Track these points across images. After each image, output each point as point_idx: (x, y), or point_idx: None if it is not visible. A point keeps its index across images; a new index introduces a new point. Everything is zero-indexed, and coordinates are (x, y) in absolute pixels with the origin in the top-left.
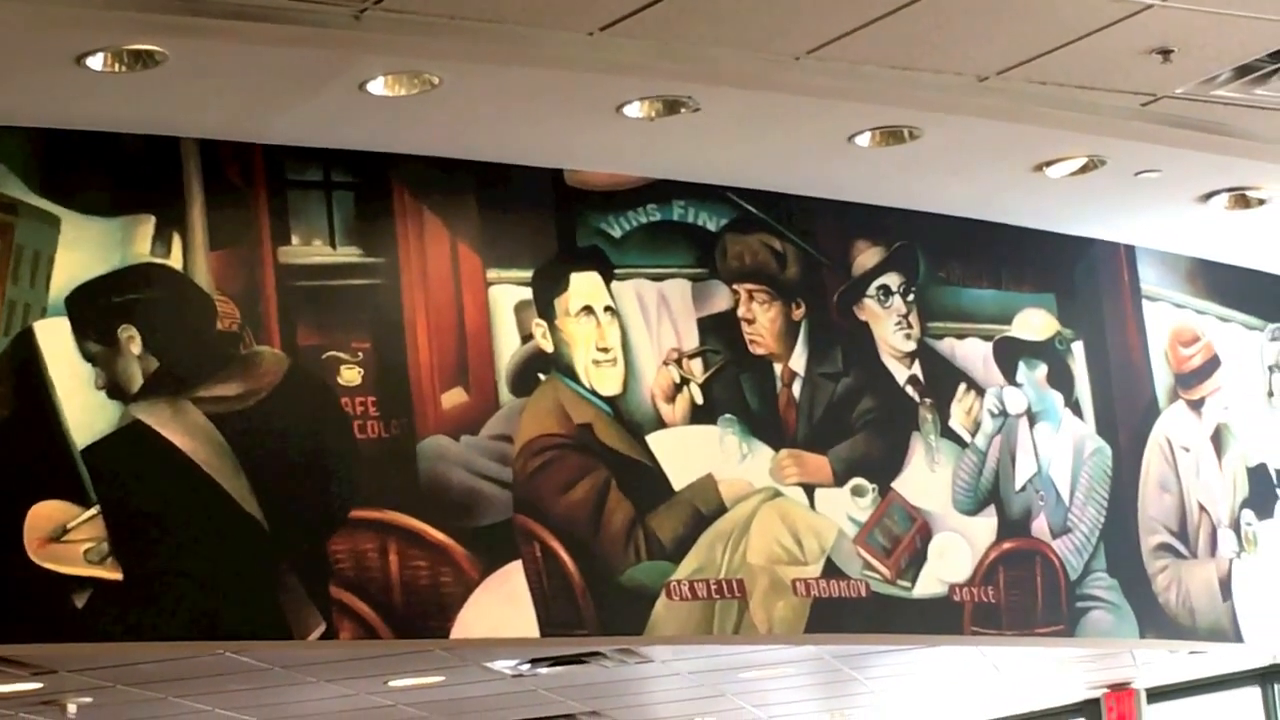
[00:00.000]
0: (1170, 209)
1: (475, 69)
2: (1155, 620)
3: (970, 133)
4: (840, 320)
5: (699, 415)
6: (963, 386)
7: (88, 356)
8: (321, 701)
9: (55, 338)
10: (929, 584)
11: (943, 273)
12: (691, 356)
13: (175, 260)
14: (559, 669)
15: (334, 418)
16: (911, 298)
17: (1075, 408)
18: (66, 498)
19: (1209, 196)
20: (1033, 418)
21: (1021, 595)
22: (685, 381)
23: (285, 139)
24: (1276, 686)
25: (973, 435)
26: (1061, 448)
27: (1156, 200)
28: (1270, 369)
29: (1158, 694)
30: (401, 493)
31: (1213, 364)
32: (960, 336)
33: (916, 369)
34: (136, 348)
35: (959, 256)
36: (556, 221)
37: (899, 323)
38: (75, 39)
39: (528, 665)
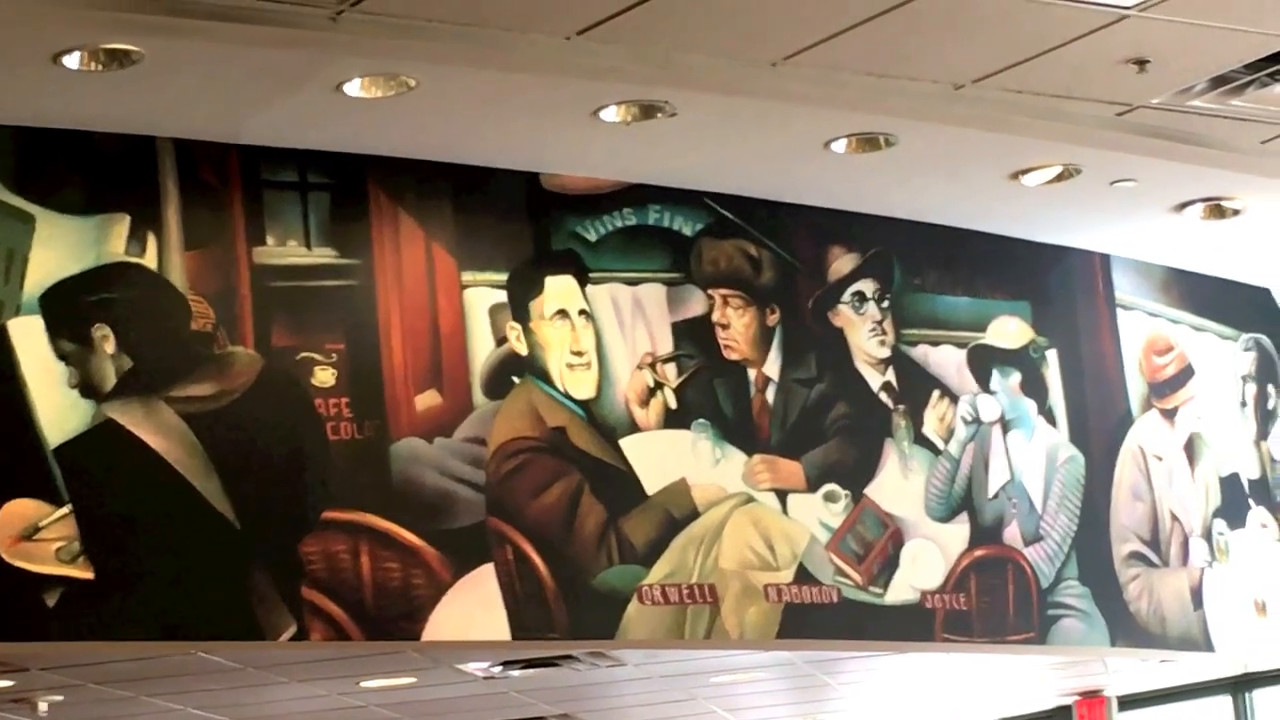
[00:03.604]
0: (1145, 218)
1: (452, 71)
2: (1126, 629)
3: (946, 140)
4: (815, 326)
5: (672, 420)
6: (936, 393)
7: (61, 355)
8: (293, 702)
9: (29, 336)
10: (901, 590)
11: (917, 280)
12: (665, 361)
13: (150, 260)
14: (531, 671)
15: (307, 419)
16: (886, 304)
17: (1049, 416)
18: (38, 496)
19: (1184, 206)
20: (1006, 425)
21: (993, 602)
22: (659, 386)
23: (261, 139)
24: (1247, 696)
25: (946, 442)
26: (1034, 456)
27: (1131, 209)
28: (1243, 379)
29: (1129, 702)
30: (374, 494)
31: (1186, 373)
32: (934, 344)
33: (890, 375)
34: (110, 347)
35: (934, 264)
36: (532, 225)
37: (873, 329)
38: (52, 37)
39: (499, 667)
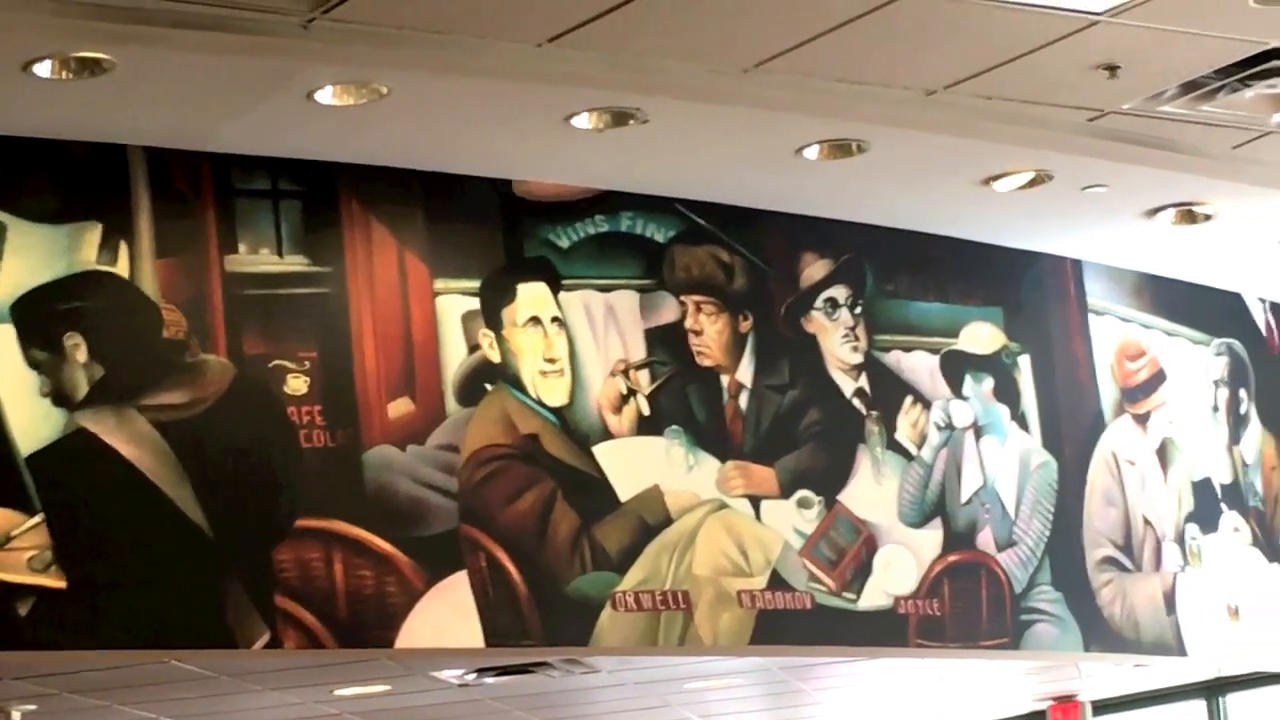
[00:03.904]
0: (1117, 224)
1: (423, 79)
2: (1100, 633)
3: (918, 146)
4: (787, 332)
5: (645, 426)
6: (909, 399)
7: (33, 364)
8: (267, 710)
9: (1, 345)
10: (874, 596)
11: (890, 285)
12: (638, 368)
13: (122, 268)
14: (506, 679)
15: (280, 427)
16: (859, 310)
17: (1021, 421)
18: (10, 505)
19: (1155, 211)
20: (979, 431)
21: (966, 608)
22: (632, 392)
23: (233, 147)
24: (1221, 700)
25: (919, 448)
26: (1007, 461)
27: (1103, 215)
28: (1215, 384)
29: (1103, 707)
30: (347, 502)
31: (1158, 378)
32: (907, 349)
33: (863, 381)
34: (82, 355)
35: (906, 269)
36: (504, 232)
37: (846, 335)
38: (22, 46)
39: (474, 675)
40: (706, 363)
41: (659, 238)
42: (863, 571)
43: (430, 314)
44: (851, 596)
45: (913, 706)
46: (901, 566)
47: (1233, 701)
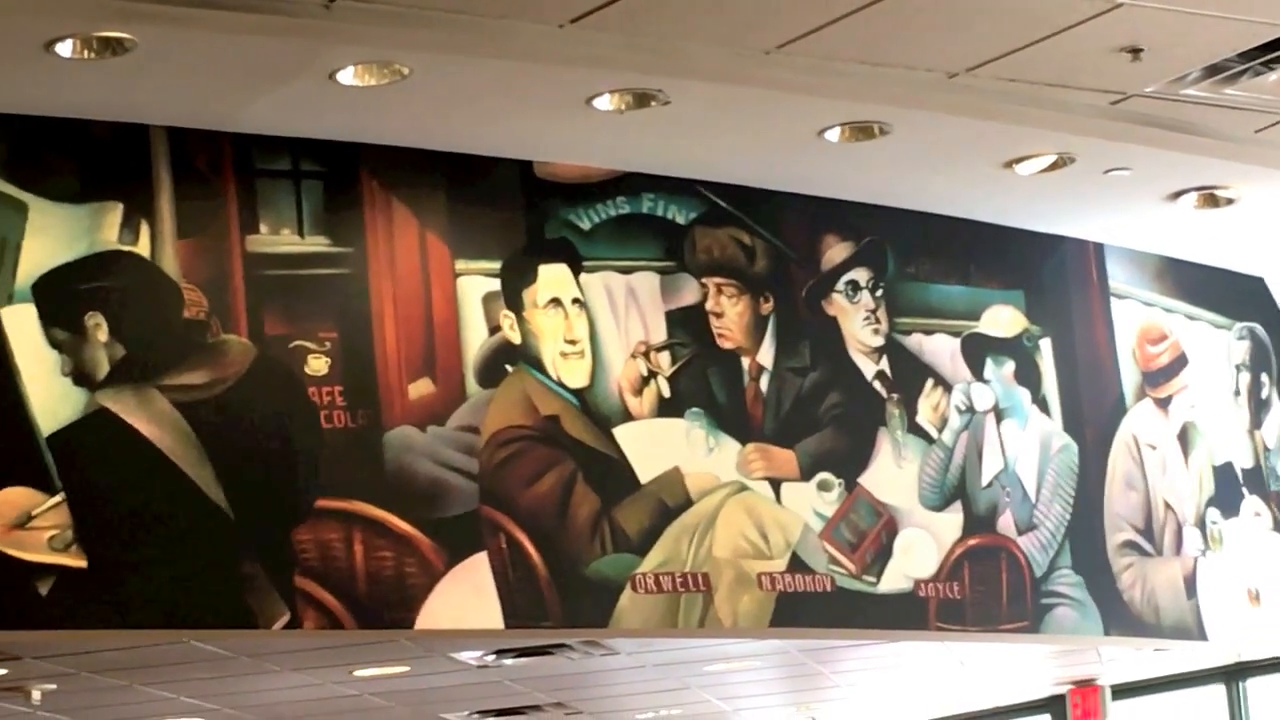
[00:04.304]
0: (1139, 207)
1: (445, 60)
2: (1120, 617)
3: (940, 129)
4: (808, 315)
5: (666, 408)
6: (930, 382)
7: (54, 343)
8: (286, 690)
9: (22, 324)
10: (894, 579)
11: (911, 268)
12: (659, 349)
13: (143, 248)
14: (525, 660)
15: (301, 407)
16: (880, 293)
17: (1042, 405)
18: (31, 484)
19: (1178, 195)
20: (1000, 414)
21: (986, 591)
22: (653, 374)
23: (254, 128)
24: (1241, 684)
25: (940, 431)
26: (1028, 444)
27: (1125, 198)
28: (1237, 368)
29: (1123, 691)
30: (367, 483)
31: (1180, 362)
32: (928, 332)
33: (884, 364)
34: (103, 335)
35: (928, 252)
36: (525, 213)
37: (867, 318)
38: (44, 25)
39: (493, 656)
40: (727, 345)
41: (680, 219)
42: (883, 554)
43: (451, 295)
44: (871, 579)
45: (932, 690)
46: (922, 549)
47: (1253, 686)
